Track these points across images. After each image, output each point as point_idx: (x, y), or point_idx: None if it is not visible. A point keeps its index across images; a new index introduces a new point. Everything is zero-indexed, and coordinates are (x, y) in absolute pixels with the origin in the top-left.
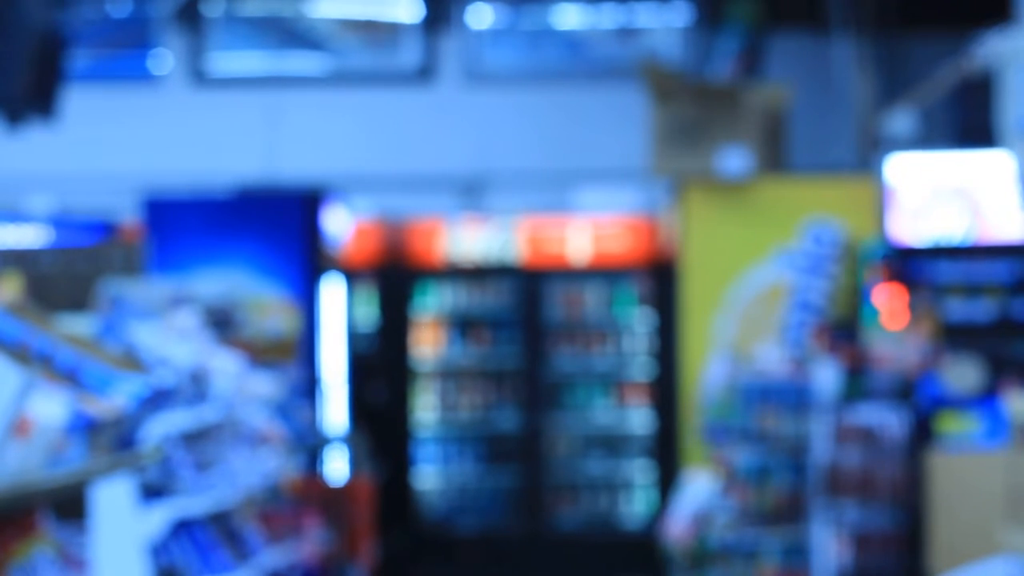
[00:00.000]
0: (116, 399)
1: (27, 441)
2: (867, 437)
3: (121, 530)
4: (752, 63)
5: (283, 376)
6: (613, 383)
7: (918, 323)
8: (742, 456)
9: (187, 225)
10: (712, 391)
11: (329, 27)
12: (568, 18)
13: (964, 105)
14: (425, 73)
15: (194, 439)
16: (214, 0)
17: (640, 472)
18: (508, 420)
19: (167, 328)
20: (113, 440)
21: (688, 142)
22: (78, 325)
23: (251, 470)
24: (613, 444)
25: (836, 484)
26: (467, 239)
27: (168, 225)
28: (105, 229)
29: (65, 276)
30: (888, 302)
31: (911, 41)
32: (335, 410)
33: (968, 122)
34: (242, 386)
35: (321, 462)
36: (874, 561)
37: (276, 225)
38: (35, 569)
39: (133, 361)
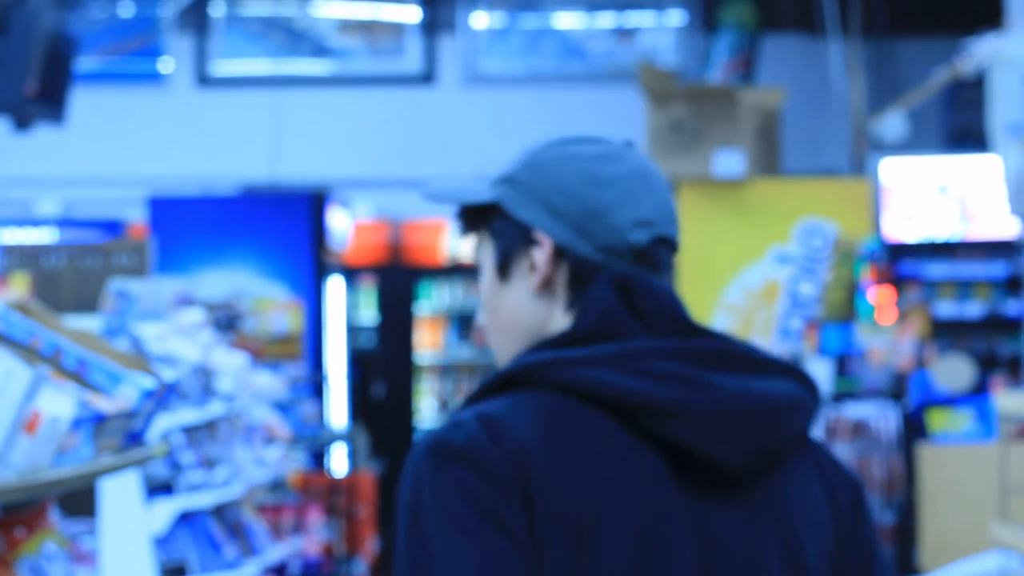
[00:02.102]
0: (123, 396)
1: (35, 437)
2: (859, 433)
3: (128, 524)
4: (747, 66)
5: (287, 373)
6: None
7: (909, 321)
8: None
9: (192, 224)
10: None
11: (331, 30)
12: (566, 21)
13: (954, 108)
14: (425, 75)
15: (200, 435)
16: (219, 3)
17: None
18: None
19: (173, 326)
20: (120, 436)
21: (683, 145)
22: (85, 323)
23: (256, 466)
24: None
25: None
26: (467, 239)
27: (173, 224)
28: (113, 229)
29: (72, 275)
30: (880, 300)
31: (902, 45)
32: (338, 406)
33: (958, 124)
34: (247, 383)
35: (325, 457)
36: None
37: (281, 224)
38: (44, 562)
39: (139, 359)
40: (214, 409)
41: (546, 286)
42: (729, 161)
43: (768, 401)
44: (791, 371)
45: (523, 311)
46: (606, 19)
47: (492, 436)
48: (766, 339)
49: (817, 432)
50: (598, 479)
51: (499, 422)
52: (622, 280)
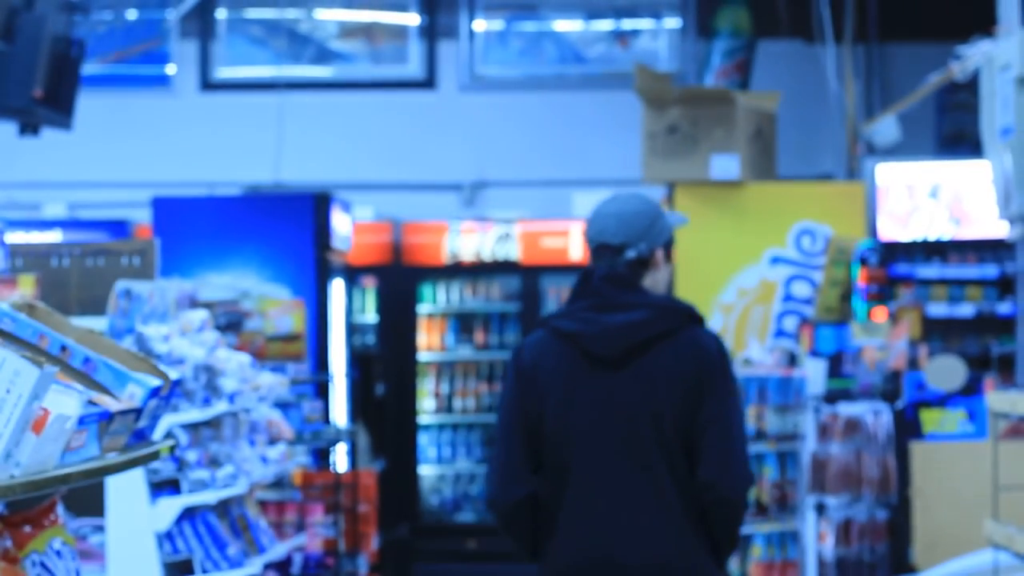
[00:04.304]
0: (129, 395)
1: (42, 435)
2: (854, 432)
3: (134, 522)
4: (743, 71)
5: (291, 372)
6: None
7: (902, 321)
8: None
9: (196, 225)
10: None
11: (333, 35)
12: (564, 26)
13: (947, 113)
14: (426, 79)
15: (204, 434)
16: (222, 8)
17: None
18: None
19: (178, 326)
20: (126, 435)
21: (679, 149)
22: (91, 324)
23: (259, 464)
24: None
25: (824, 477)
26: (467, 240)
27: (177, 225)
28: (119, 231)
29: (78, 276)
30: (873, 301)
31: (895, 51)
32: (341, 405)
33: (950, 129)
34: (251, 382)
35: (327, 455)
36: (862, 552)
37: (283, 225)
38: (50, 559)
39: (145, 358)
40: (218, 408)
41: None
42: (725, 164)
43: (629, 324)
44: (654, 306)
45: None
46: (604, 24)
47: (518, 353)
48: (761, 339)
49: (809, 429)
50: (552, 369)
51: (522, 347)
52: (585, 270)
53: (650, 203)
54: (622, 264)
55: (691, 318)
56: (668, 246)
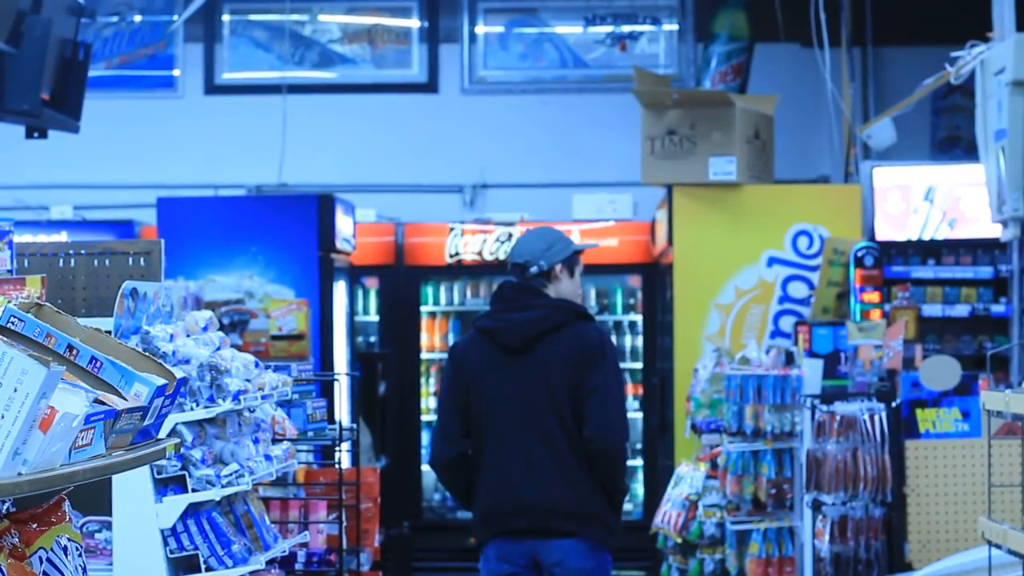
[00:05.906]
0: (135, 394)
1: (49, 434)
2: (850, 430)
3: (139, 519)
4: (740, 74)
5: (295, 371)
6: None
7: (898, 321)
8: (730, 448)
9: (201, 226)
10: (702, 387)
11: (336, 38)
12: (565, 29)
13: (942, 115)
14: (428, 82)
15: (209, 432)
16: (227, 12)
17: (633, 463)
18: None
19: (183, 326)
20: (132, 433)
21: (678, 152)
22: (98, 323)
23: (264, 462)
24: None
25: (821, 475)
26: (468, 241)
27: (183, 226)
28: (125, 232)
29: (85, 276)
30: (869, 302)
31: (891, 55)
32: (344, 403)
33: (945, 131)
34: (255, 381)
35: (331, 453)
36: (858, 548)
37: (288, 226)
38: (58, 556)
39: (151, 357)
40: (223, 407)
41: None
42: (723, 166)
43: (528, 320)
44: (549, 307)
45: None
46: (603, 28)
47: (454, 347)
48: (758, 338)
49: (805, 428)
50: (475, 358)
51: (457, 344)
52: (502, 283)
53: (551, 234)
54: (529, 277)
55: (579, 315)
56: (569, 265)
